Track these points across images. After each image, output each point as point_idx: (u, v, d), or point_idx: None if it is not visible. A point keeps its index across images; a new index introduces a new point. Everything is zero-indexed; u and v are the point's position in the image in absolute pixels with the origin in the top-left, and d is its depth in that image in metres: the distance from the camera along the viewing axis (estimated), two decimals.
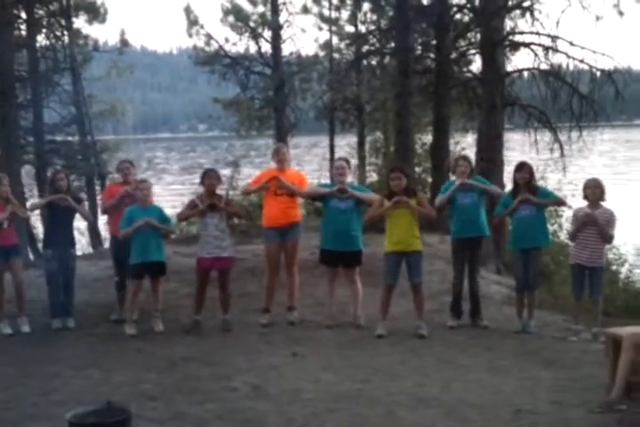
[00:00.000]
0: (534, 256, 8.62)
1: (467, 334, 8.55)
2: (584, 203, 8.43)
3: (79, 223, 15.53)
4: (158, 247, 8.90)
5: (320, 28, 20.28)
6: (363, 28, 19.93)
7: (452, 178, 9.11)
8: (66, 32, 17.64)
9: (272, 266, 9.18)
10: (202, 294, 8.98)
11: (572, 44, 13.40)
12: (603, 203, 8.32)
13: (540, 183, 14.45)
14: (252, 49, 19.17)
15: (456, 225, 8.89)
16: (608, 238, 8.28)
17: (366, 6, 19.58)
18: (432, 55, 16.49)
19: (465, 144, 17.31)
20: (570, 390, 6.45)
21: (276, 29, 18.69)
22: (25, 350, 8.15)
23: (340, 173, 8.90)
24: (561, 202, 9.54)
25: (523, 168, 8.68)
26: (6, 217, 8.73)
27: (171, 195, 22.52)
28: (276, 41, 18.82)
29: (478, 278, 9.03)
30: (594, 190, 8.29)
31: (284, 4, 18.87)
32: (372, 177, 18.27)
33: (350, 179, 9.37)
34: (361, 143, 20.30)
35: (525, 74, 14.60)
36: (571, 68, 14.07)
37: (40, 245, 13.50)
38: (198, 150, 72.97)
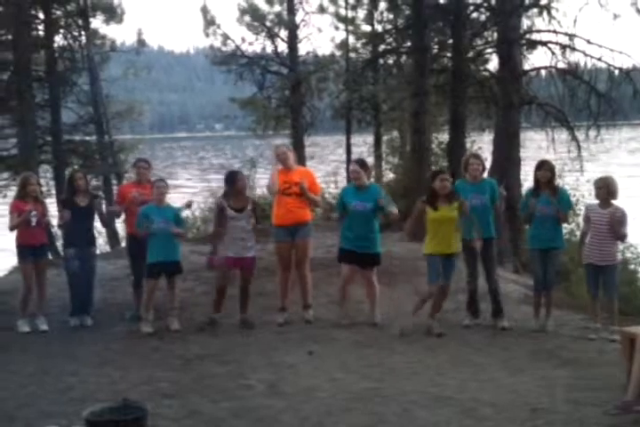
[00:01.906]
0: (553, 256, 8.56)
1: (483, 333, 8.52)
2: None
3: (96, 222, 15.65)
4: (174, 247, 8.96)
5: (336, 28, 20.22)
6: (379, 28, 19.87)
7: (465, 176, 9.00)
8: (83, 32, 17.71)
9: (283, 264, 9.19)
10: (223, 293, 8.98)
11: (589, 42, 13.37)
12: (615, 201, 8.26)
13: (558, 182, 14.43)
14: (269, 48, 19.17)
15: (465, 226, 8.81)
16: (619, 237, 8.23)
17: (383, 5, 19.51)
18: (449, 54, 16.45)
19: (482, 143, 17.26)
20: (587, 390, 6.41)
21: (293, 29, 18.68)
22: (43, 347, 8.20)
23: (355, 178, 8.84)
24: (565, 218, 9.09)
25: (543, 166, 8.60)
26: (35, 215, 8.80)
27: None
28: (293, 40, 18.82)
29: (496, 278, 8.97)
30: (598, 191, 8.25)
31: (301, 3, 18.86)
32: (389, 176, 18.26)
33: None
34: (377, 142, 20.28)
35: (542, 72, 14.57)
36: (588, 66, 14.03)
37: (58, 244, 13.60)
38: (224, 150, 72.69)
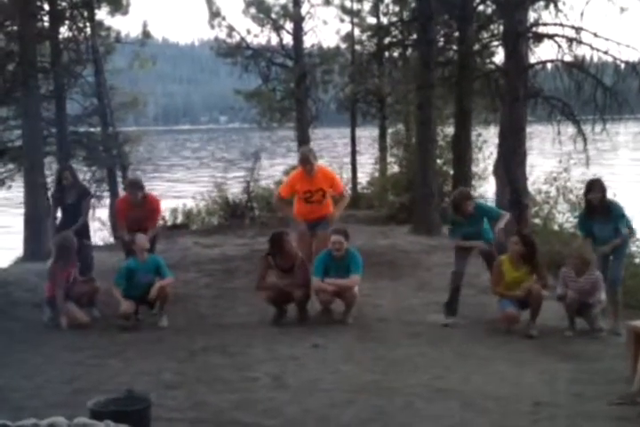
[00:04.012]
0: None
1: (486, 326, 8.50)
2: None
3: (101, 214, 15.69)
4: (151, 286, 8.81)
5: (342, 20, 20.23)
6: (385, 20, 19.84)
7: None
8: (88, 24, 17.66)
9: (304, 256, 9.01)
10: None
11: (596, 35, 13.31)
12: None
13: (563, 176, 14.43)
14: (274, 41, 19.20)
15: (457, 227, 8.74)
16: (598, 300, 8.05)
17: None
18: (454, 47, 16.41)
19: (487, 136, 17.25)
20: (590, 383, 6.43)
21: (298, 21, 18.68)
22: (49, 338, 8.23)
23: (337, 249, 8.51)
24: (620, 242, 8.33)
25: (594, 188, 8.30)
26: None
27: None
28: (298, 33, 18.82)
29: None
30: (572, 261, 8.15)
31: None
32: (394, 169, 18.28)
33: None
34: (382, 135, 20.28)
35: (549, 66, 14.52)
36: (595, 59, 13.99)
37: None
38: (229, 142, 72.52)
